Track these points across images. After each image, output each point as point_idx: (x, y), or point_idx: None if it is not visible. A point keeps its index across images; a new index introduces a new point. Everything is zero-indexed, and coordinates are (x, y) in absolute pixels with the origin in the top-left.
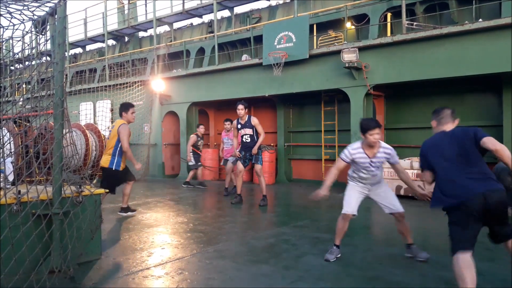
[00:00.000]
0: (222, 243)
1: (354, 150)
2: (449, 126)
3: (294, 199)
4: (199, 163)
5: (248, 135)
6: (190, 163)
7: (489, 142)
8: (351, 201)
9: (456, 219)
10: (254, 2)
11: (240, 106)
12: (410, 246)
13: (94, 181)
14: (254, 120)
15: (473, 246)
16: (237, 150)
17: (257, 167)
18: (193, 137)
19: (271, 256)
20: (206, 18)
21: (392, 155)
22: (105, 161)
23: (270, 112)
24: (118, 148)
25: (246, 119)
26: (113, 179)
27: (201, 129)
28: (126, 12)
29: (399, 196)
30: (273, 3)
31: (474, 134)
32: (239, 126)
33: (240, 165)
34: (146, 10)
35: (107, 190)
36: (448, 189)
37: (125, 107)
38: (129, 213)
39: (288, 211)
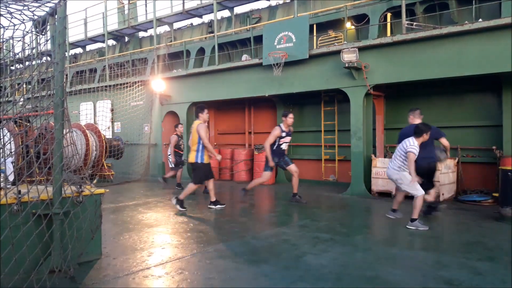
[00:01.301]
0: (222, 243)
1: (417, 146)
2: (418, 121)
3: None
4: (181, 164)
5: (287, 144)
6: (171, 166)
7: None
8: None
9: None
10: (254, 2)
11: (292, 115)
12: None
13: (94, 181)
14: (291, 129)
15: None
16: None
17: (294, 166)
18: (174, 138)
19: (271, 256)
20: (206, 18)
21: None
22: (192, 157)
23: (270, 112)
24: (201, 144)
25: (289, 129)
26: (200, 171)
27: (180, 128)
28: (126, 12)
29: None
30: (273, 3)
31: (437, 132)
32: (284, 134)
33: (268, 175)
34: (146, 10)
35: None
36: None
37: (201, 108)
38: (218, 206)
39: (288, 211)
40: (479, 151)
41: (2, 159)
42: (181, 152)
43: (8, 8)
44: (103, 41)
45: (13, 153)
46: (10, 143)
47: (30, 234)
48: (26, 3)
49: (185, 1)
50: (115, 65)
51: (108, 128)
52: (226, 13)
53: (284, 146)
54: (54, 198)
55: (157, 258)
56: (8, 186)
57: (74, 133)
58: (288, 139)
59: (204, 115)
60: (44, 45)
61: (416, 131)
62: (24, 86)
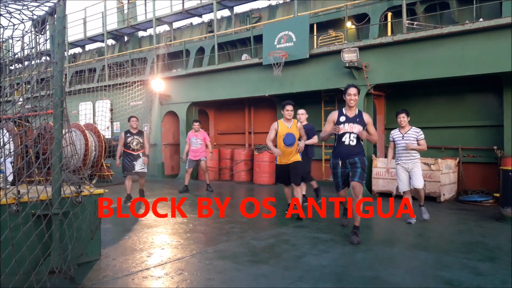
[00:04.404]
0: (222, 244)
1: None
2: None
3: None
4: (136, 169)
5: (355, 135)
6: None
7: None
8: None
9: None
10: (254, 2)
11: (353, 90)
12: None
13: (94, 181)
14: (367, 117)
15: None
16: (334, 159)
17: (357, 185)
18: (121, 135)
19: (271, 256)
20: (206, 17)
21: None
22: None
23: (270, 112)
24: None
25: (357, 112)
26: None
27: (132, 123)
28: (125, 11)
29: (399, 197)
30: (273, 2)
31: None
32: (343, 118)
33: (341, 190)
34: (145, 10)
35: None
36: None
37: (283, 105)
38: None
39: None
40: (480, 151)
41: (2, 160)
42: (133, 153)
43: (7, 8)
44: (102, 41)
45: (12, 153)
46: (9, 143)
47: (30, 234)
48: (25, 3)
49: (184, 0)
50: (115, 65)
51: (107, 128)
52: (226, 13)
53: (347, 140)
54: (54, 198)
55: (156, 259)
56: (8, 187)
57: (73, 133)
58: (352, 127)
59: (284, 112)
60: (43, 44)
61: None
62: (23, 86)
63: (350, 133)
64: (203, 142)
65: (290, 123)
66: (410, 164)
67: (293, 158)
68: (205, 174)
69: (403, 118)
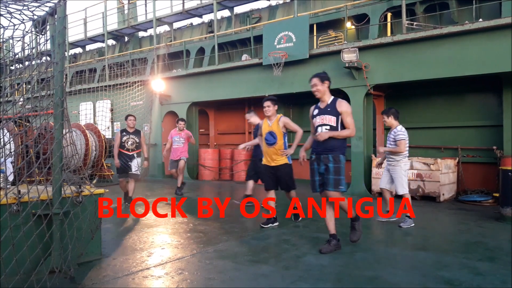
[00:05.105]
0: (222, 243)
1: None
2: None
3: None
4: (131, 170)
5: (328, 127)
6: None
7: None
8: None
9: None
10: (254, 2)
11: (315, 80)
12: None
13: (94, 181)
14: (340, 106)
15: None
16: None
17: (330, 194)
18: (117, 134)
19: (271, 256)
20: (206, 18)
21: None
22: None
23: None
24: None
25: (329, 101)
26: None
27: (129, 121)
28: (126, 12)
29: (398, 196)
30: (273, 3)
31: None
32: (316, 111)
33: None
34: (146, 10)
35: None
36: None
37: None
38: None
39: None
40: (480, 151)
41: (2, 159)
42: (128, 153)
43: (8, 8)
44: (102, 41)
45: (12, 153)
46: (10, 143)
47: (30, 234)
48: (25, 3)
49: (185, 1)
50: (115, 65)
51: (108, 128)
52: (226, 13)
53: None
54: (54, 198)
55: (156, 259)
56: (8, 186)
57: (73, 133)
58: (324, 119)
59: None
60: (44, 45)
61: None
62: (24, 86)
63: (321, 125)
64: (186, 141)
65: (272, 120)
66: (389, 166)
67: (279, 160)
68: (178, 176)
69: (383, 119)
